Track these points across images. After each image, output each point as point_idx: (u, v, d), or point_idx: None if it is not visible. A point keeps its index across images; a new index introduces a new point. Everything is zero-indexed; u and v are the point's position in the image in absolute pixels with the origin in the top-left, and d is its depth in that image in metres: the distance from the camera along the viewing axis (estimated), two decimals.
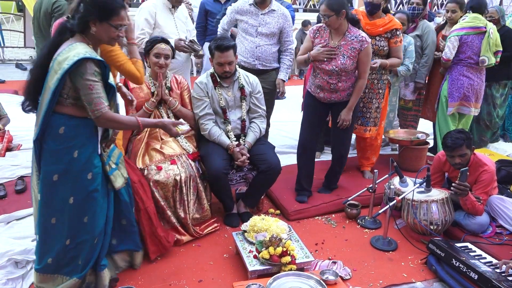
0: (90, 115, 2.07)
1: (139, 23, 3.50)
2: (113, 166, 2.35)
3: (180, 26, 3.64)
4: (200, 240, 2.92)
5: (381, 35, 3.51)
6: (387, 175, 3.22)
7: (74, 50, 1.99)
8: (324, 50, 3.11)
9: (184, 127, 2.66)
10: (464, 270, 2.41)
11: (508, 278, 2.33)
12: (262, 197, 3.33)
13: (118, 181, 2.36)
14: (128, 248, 2.55)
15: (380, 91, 3.69)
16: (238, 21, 3.69)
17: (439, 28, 4.46)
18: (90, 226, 2.23)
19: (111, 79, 2.18)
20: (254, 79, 3.24)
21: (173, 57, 3.10)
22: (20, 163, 3.80)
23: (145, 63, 3.09)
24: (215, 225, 3.07)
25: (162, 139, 3.06)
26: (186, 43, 3.47)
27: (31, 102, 2.13)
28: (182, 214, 2.87)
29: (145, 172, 2.81)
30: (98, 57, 2.06)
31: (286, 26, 3.66)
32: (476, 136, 4.78)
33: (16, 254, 2.57)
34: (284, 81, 3.78)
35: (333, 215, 3.36)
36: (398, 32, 3.51)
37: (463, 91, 4.03)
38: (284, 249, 2.47)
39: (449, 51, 3.97)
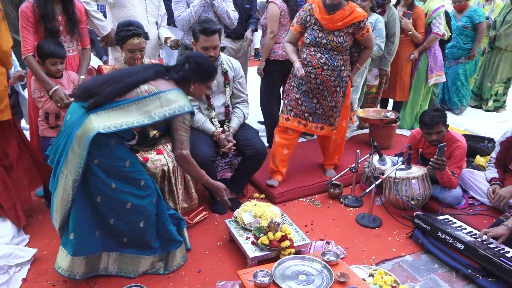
0: (177, 152, 2.31)
1: None
2: None
3: (151, 10, 3.48)
4: (190, 230, 2.87)
5: (340, 29, 3.08)
6: (368, 154, 3.32)
7: (184, 99, 2.25)
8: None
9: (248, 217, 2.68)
10: (450, 241, 2.58)
11: (490, 246, 2.52)
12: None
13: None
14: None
15: (338, 89, 3.25)
16: None
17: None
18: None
19: None
20: (236, 63, 3.18)
21: (147, 39, 2.93)
22: None
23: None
24: (204, 213, 3.03)
25: None
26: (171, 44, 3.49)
27: (81, 99, 2.18)
28: (172, 205, 2.80)
29: None
30: (193, 109, 2.31)
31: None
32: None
33: None
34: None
35: (316, 196, 3.43)
36: (362, 24, 3.08)
37: (438, 63, 4.52)
38: (283, 233, 2.49)
39: (442, 27, 4.35)
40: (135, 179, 2.27)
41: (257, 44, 7.35)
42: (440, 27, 4.38)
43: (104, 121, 2.11)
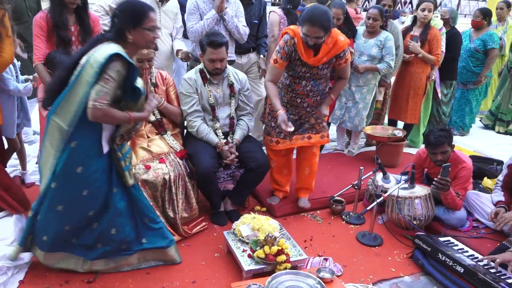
0: (89, 105, 2.08)
1: None
2: (127, 164, 2.41)
3: (165, 22, 3.55)
4: (189, 240, 2.88)
5: (324, 62, 2.91)
6: (371, 172, 3.30)
7: (110, 48, 2.09)
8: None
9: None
10: (450, 264, 2.53)
11: (490, 270, 2.46)
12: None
13: (131, 180, 2.43)
14: (157, 246, 2.54)
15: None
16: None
17: (406, 30, 4.51)
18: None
19: (139, 83, 2.21)
20: (243, 76, 3.21)
21: (156, 49, 2.99)
22: None
23: None
24: (203, 223, 3.03)
25: (148, 137, 2.98)
26: (181, 56, 3.52)
27: (50, 100, 2.20)
28: (171, 214, 2.82)
29: (133, 171, 2.72)
30: (129, 59, 2.13)
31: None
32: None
33: None
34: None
35: (318, 211, 3.41)
36: (342, 54, 2.88)
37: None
38: (279, 248, 2.48)
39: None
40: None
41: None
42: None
43: (64, 118, 2.14)
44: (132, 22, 2.13)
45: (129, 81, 2.16)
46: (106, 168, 2.32)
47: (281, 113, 2.84)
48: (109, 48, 2.09)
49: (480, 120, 6.14)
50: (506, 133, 5.76)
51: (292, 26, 2.90)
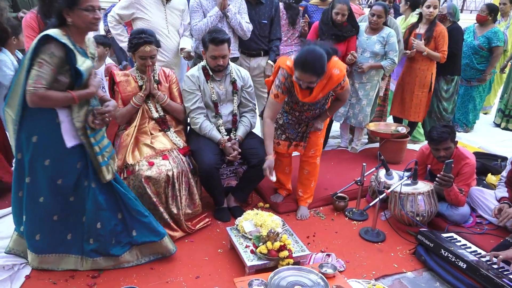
0: (26, 91, 2.04)
1: (117, 7, 3.54)
2: (106, 159, 2.35)
3: (171, 19, 3.56)
4: (192, 236, 2.90)
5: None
6: (374, 168, 3.30)
7: (45, 32, 2.03)
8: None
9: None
10: (453, 259, 2.53)
11: (493, 266, 2.46)
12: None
13: (109, 175, 2.37)
14: (149, 240, 2.55)
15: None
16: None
17: (412, 27, 4.47)
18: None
19: (81, 65, 2.13)
20: (245, 73, 3.22)
21: (159, 46, 3.00)
22: None
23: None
24: (207, 220, 3.05)
25: (151, 133, 3.00)
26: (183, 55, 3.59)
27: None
28: (174, 210, 2.84)
29: (136, 167, 2.75)
30: (62, 40, 2.05)
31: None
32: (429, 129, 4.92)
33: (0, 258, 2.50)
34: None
35: (321, 208, 3.42)
36: (339, 86, 2.83)
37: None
38: (282, 243, 2.49)
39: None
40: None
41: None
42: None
43: (13, 108, 2.15)
44: (67, 3, 2.06)
45: (72, 64, 2.10)
46: (80, 163, 2.30)
47: (270, 158, 2.83)
48: (44, 32, 2.04)
49: (494, 121, 6.09)
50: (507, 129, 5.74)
51: (287, 62, 2.76)
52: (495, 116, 6.05)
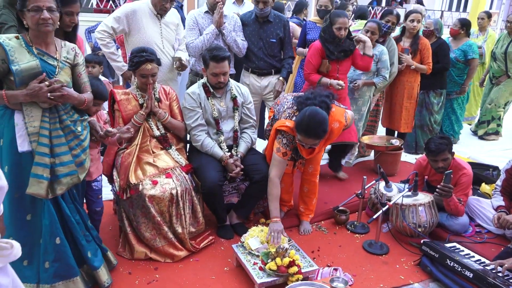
0: None
1: (109, 18, 3.50)
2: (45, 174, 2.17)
3: (166, 33, 3.56)
4: (197, 255, 2.87)
5: None
6: (374, 181, 3.34)
7: None
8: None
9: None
10: (459, 269, 2.56)
11: (499, 274, 2.50)
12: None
13: (41, 191, 2.16)
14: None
15: None
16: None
17: (396, 41, 4.55)
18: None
19: (18, 64, 2.07)
20: (245, 90, 3.25)
21: (159, 64, 3.00)
22: None
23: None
24: (211, 238, 3.02)
25: (153, 152, 2.98)
26: (176, 65, 3.56)
27: None
28: (179, 229, 2.80)
29: (140, 187, 2.72)
30: (0, 40, 2.06)
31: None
32: (421, 141, 5.02)
33: None
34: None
35: (322, 222, 3.43)
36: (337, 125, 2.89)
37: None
38: (291, 259, 2.48)
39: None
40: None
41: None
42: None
43: None
44: (19, 6, 2.09)
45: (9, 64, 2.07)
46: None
47: (277, 221, 2.79)
48: None
49: (470, 129, 6.27)
50: (485, 133, 5.90)
51: (287, 123, 2.81)
52: (474, 127, 6.24)
